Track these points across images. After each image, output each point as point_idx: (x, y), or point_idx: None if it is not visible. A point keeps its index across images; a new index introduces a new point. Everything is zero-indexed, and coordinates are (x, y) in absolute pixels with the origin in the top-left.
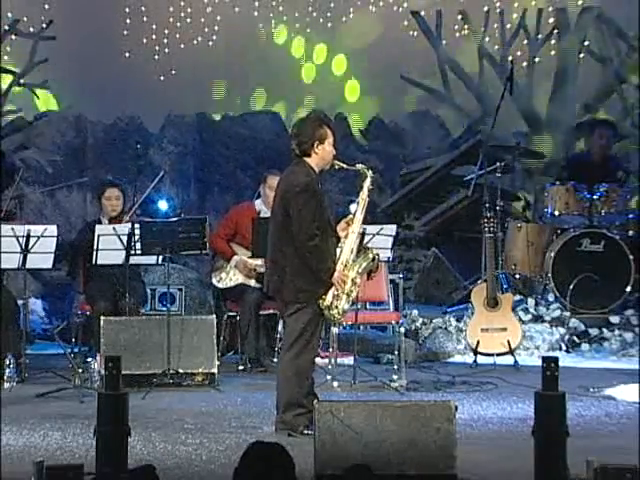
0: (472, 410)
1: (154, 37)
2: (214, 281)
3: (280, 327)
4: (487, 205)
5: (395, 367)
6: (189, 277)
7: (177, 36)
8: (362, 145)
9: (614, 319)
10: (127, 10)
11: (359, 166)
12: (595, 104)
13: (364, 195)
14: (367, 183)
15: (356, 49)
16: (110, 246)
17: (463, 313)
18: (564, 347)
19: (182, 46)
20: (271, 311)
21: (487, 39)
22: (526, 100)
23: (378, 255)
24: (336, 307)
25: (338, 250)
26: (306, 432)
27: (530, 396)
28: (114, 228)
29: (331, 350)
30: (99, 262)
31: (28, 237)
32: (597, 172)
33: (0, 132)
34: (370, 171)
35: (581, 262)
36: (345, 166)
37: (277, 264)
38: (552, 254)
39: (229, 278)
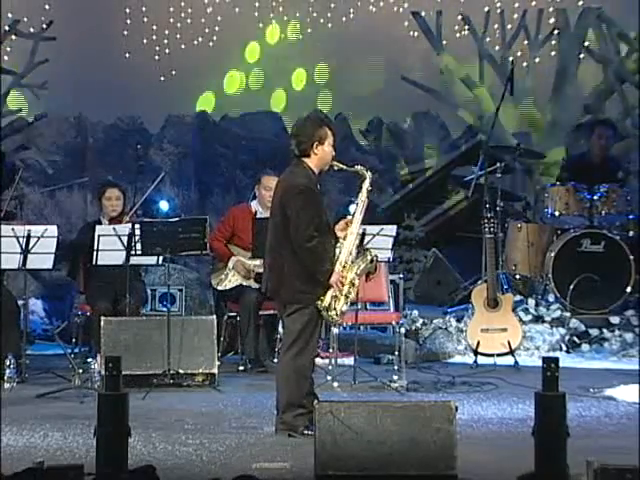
0: (472, 410)
1: (154, 38)
2: (213, 284)
3: (280, 327)
4: (487, 205)
5: (395, 367)
6: (189, 277)
7: (177, 37)
8: (362, 145)
9: (614, 319)
10: (127, 11)
11: (358, 167)
12: (595, 104)
13: (363, 196)
14: (366, 184)
15: (356, 49)
16: (110, 246)
17: (463, 313)
18: (564, 347)
19: (183, 47)
20: (271, 311)
21: (487, 39)
22: (526, 101)
23: (377, 257)
24: (334, 308)
25: (337, 251)
26: (306, 432)
27: (530, 396)
28: (114, 228)
29: (331, 350)
30: (99, 262)
31: (28, 237)
32: (597, 172)
33: (0, 132)
34: (369, 172)
35: (581, 262)
36: (344, 167)
37: (275, 265)
38: (552, 254)
39: (228, 280)
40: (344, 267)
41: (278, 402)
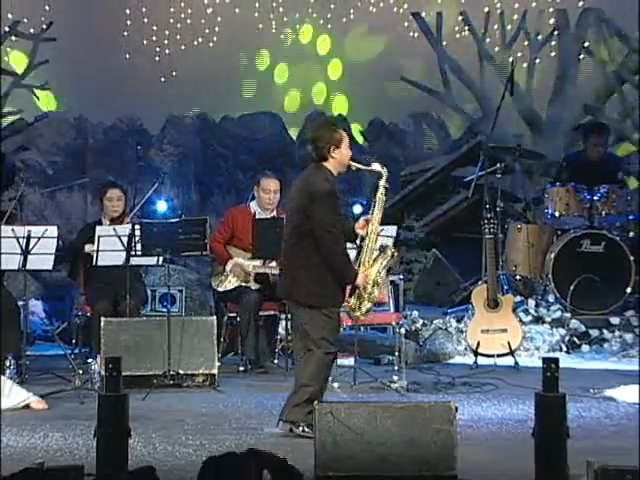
0: (472, 411)
1: (154, 38)
2: (213, 285)
3: (280, 328)
4: (487, 206)
5: (395, 368)
6: (189, 278)
7: (177, 37)
8: (362, 146)
9: (614, 320)
10: (127, 11)
11: (375, 166)
12: (595, 105)
13: (380, 194)
14: (382, 182)
15: (356, 50)
16: (111, 247)
17: (463, 314)
18: (564, 348)
19: (183, 47)
20: (271, 312)
21: (487, 40)
22: (526, 101)
23: (397, 251)
24: (359, 309)
25: (354, 252)
26: (306, 430)
27: (530, 397)
28: (114, 229)
29: None
30: (99, 263)
31: (28, 238)
32: (596, 172)
33: (0, 133)
34: (385, 169)
35: (581, 263)
36: (362, 167)
37: (290, 266)
38: (552, 255)
39: (228, 281)
40: (366, 267)
41: (295, 393)
